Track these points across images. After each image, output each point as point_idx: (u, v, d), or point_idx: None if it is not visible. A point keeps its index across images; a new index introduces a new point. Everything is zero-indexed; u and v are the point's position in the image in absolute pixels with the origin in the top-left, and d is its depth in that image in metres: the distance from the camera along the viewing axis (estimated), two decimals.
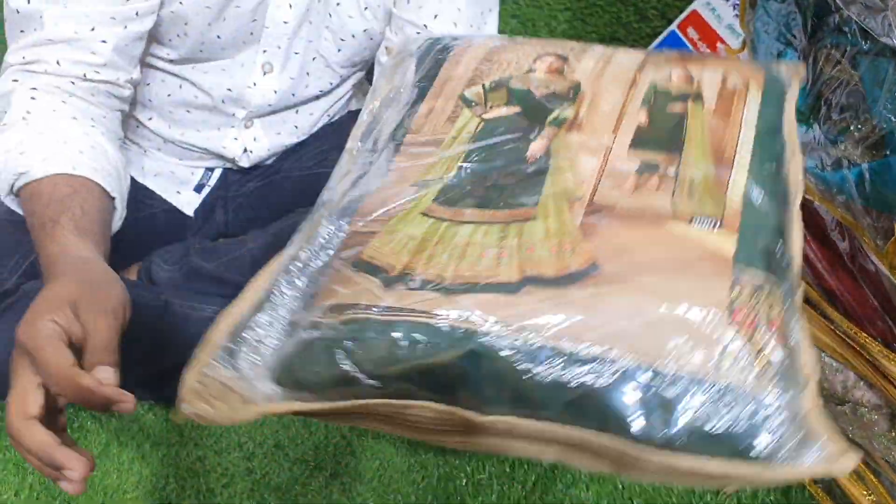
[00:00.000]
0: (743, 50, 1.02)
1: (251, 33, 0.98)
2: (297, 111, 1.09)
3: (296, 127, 1.11)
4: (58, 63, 0.88)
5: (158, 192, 1.12)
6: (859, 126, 0.81)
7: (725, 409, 0.51)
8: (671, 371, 0.52)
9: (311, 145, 1.13)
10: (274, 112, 1.07)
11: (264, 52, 1.00)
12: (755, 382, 0.52)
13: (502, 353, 0.53)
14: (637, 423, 0.51)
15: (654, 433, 0.51)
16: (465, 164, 0.66)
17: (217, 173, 1.14)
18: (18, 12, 0.88)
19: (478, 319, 0.55)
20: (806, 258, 0.93)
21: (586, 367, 0.52)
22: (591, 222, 0.60)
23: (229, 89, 1.03)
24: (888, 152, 0.77)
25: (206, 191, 1.14)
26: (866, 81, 0.80)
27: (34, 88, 0.88)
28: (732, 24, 1.32)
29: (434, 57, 0.78)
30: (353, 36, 1.02)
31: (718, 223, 0.59)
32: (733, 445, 0.51)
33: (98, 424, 1.10)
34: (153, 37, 0.97)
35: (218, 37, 0.97)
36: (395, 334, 0.56)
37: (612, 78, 0.71)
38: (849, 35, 0.82)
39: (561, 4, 1.73)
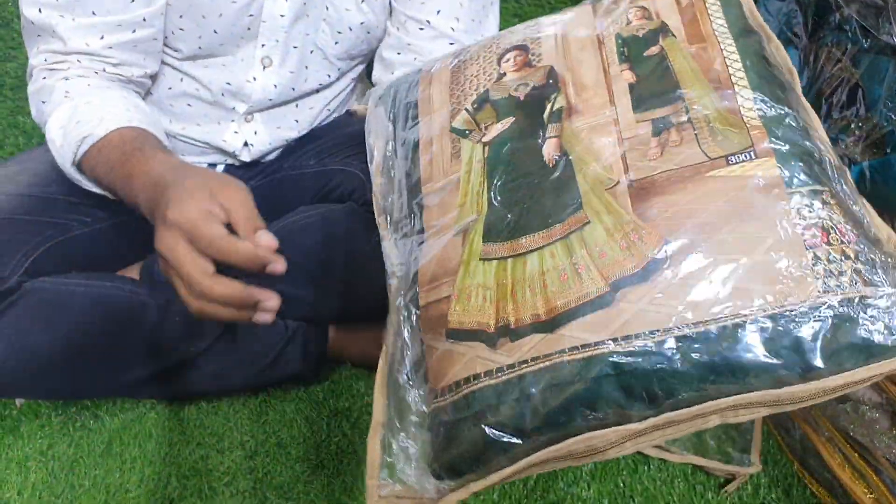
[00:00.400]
0: None
1: (248, 28, 0.99)
2: (297, 105, 1.10)
3: (296, 121, 1.11)
4: (78, 61, 0.95)
5: None
6: (860, 124, 0.81)
7: (847, 322, 0.52)
8: (784, 311, 0.53)
9: (313, 143, 1.13)
10: (274, 106, 1.08)
11: (262, 46, 1.01)
12: (856, 285, 0.53)
13: (630, 366, 0.55)
14: (780, 369, 0.53)
15: (799, 370, 0.53)
16: (492, 195, 0.66)
17: (219, 170, 1.14)
18: (33, 23, 0.94)
19: (593, 344, 0.56)
20: None
21: (709, 343, 0.53)
22: (641, 204, 0.60)
23: (229, 83, 1.03)
24: (888, 150, 0.77)
25: None
26: (867, 80, 0.80)
27: (66, 79, 0.94)
28: None
29: (405, 102, 0.78)
30: (351, 29, 1.02)
31: (752, 153, 0.59)
32: (869, 349, 0.52)
33: (100, 423, 1.11)
34: None
35: (215, 31, 0.98)
36: (525, 391, 0.57)
37: (578, 48, 0.70)
38: (849, 33, 0.82)
39: (563, 3, 1.73)
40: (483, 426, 0.59)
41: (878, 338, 0.52)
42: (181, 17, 0.97)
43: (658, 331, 0.55)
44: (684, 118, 0.62)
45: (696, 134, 0.62)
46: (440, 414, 0.61)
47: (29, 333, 0.95)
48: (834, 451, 0.92)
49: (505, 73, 0.72)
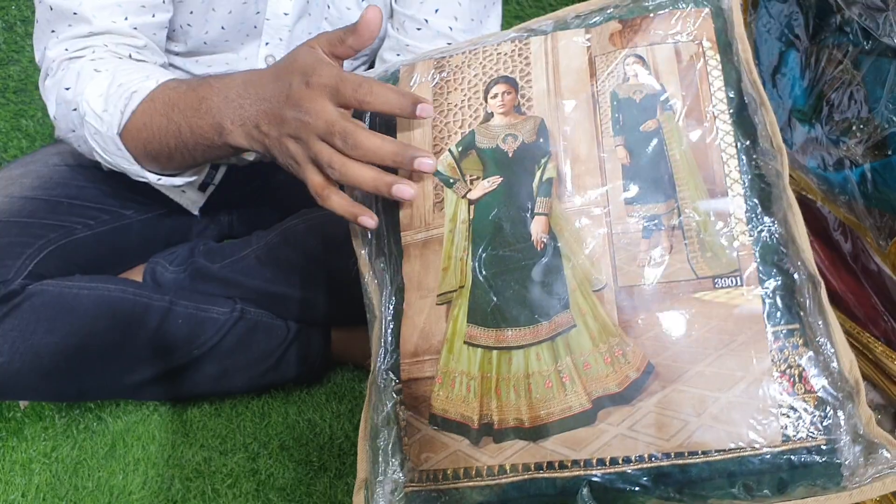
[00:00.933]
0: None
1: (254, 26, 0.99)
2: None
3: None
4: (105, 46, 0.91)
5: (163, 191, 1.12)
6: (861, 126, 0.81)
7: (803, 466, 0.57)
8: (749, 454, 0.57)
9: None
10: None
11: (266, 44, 1.01)
12: (813, 435, 0.57)
13: (606, 487, 0.59)
14: (739, 496, 0.58)
15: (752, 496, 0.58)
16: (477, 265, 0.66)
17: (222, 172, 1.15)
18: (52, 9, 0.91)
19: (572, 463, 0.59)
20: None
21: (682, 474, 0.58)
22: (626, 316, 0.61)
23: None
24: (890, 152, 0.77)
25: (210, 189, 1.15)
26: (868, 81, 0.80)
27: (92, 60, 0.89)
28: None
29: (382, 115, 0.73)
30: None
31: (739, 278, 0.61)
32: (820, 485, 0.57)
33: (104, 425, 1.11)
34: None
35: (222, 28, 0.98)
36: (503, 497, 0.61)
37: (571, 105, 0.67)
38: (850, 35, 0.82)
39: (562, 4, 1.73)
40: None
41: (826, 479, 0.57)
42: (191, 12, 0.97)
43: (634, 458, 0.58)
44: (675, 222, 0.62)
45: (685, 244, 0.62)
46: (418, 497, 0.64)
47: (33, 335, 0.95)
48: None
49: (492, 114, 0.69)
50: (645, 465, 0.58)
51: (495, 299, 0.64)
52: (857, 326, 0.86)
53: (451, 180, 0.69)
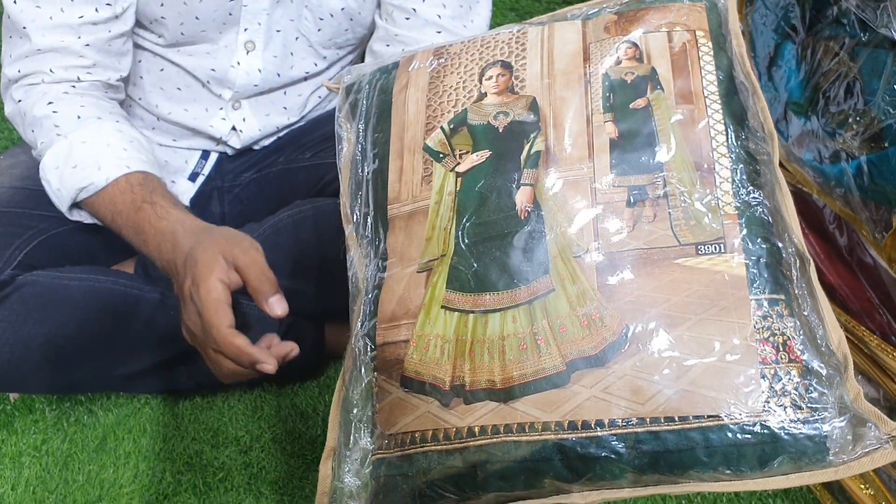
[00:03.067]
0: None
1: (230, 13, 0.99)
2: (284, 93, 1.09)
3: (285, 108, 1.10)
4: (51, 71, 0.94)
5: None
6: (858, 118, 0.80)
7: (784, 439, 0.55)
8: (727, 422, 0.55)
9: (307, 137, 1.12)
10: (261, 93, 1.07)
11: (245, 30, 1.01)
12: (796, 406, 0.55)
13: (576, 452, 0.57)
14: (717, 468, 0.56)
15: (733, 471, 0.56)
16: (460, 234, 0.65)
17: (211, 161, 1.14)
18: (9, 17, 0.93)
19: (542, 426, 0.58)
20: None
21: (655, 441, 0.56)
22: (606, 279, 0.60)
23: (213, 70, 1.03)
24: (887, 144, 0.77)
25: (200, 180, 1.14)
26: (865, 73, 0.80)
27: (50, 103, 0.94)
28: None
29: (379, 97, 0.76)
30: (332, 15, 1.02)
31: (722, 245, 0.60)
32: (805, 461, 0.55)
33: (94, 418, 1.10)
34: (138, 22, 0.98)
35: (197, 18, 0.98)
36: (469, 460, 0.59)
37: (563, 83, 0.68)
38: (847, 27, 0.82)
39: None
40: (423, 484, 0.61)
41: (810, 454, 0.55)
42: (162, 5, 0.96)
43: (608, 422, 0.57)
44: (661, 192, 0.62)
45: (669, 213, 0.61)
46: (383, 463, 0.63)
47: (23, 326, 0.95)
48: None
49: (486, 94, 0.70)
50: (618, 430, 0.56)
51: (476, 265, 0.64)
52: (853, 320, 0.85)
53: (441, 155, 0.69)
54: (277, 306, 0.78)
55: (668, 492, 0.58)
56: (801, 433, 0.55)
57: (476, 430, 0.59)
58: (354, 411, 0.66)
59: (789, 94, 0.91)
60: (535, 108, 0.68)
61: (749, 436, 0.55)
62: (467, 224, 0.65)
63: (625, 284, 0.60)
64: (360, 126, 0.76)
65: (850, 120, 0.81)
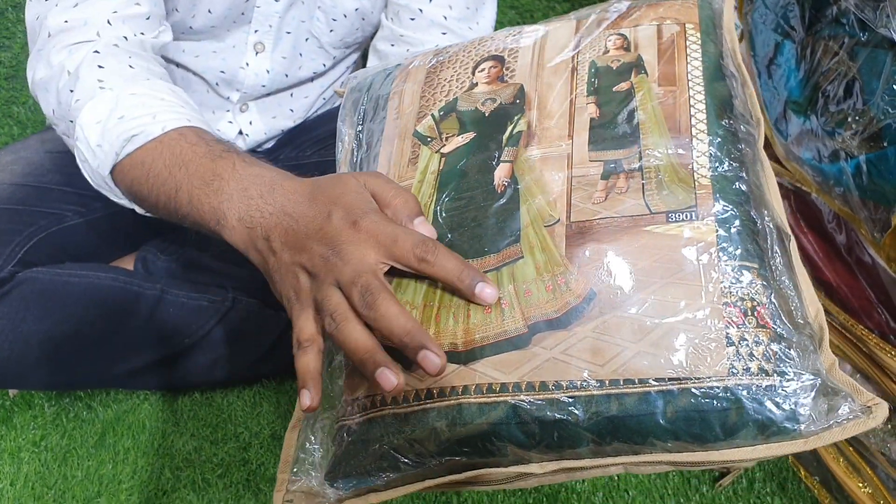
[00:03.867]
0: (740, 41, 1.02)
1: (242, 13, 0.99)
2: (291, 94, 1.09)
3: (291, 110, 1.11)
4: (108, 23, 0.82)
5: None
6: (857, 118, 0.80)
7: (749, 405, 0.53)
8: (690, 385, 0.54)
9: (309, 133, 1.13)
10: (268, 94, 1.07)
11: (255, 31, 1.01)
12: (763, 372, 0.54)
13: (534, 414, 0.56)
14: (681, 436, 0.54)
15: (697, 439, 0.54)
16: (438, 209, 0.66)
17: None
18: None
19: (500, 387, 0.57)
20: (803, 250, 0.93)
21: (615, 404, 0.55)
22: (574, 246, 0.60)
23: (222, 71, 1.03)
24: (886, 144, 0.77)
25: None
26: (864, 73, 0.80)
27: (97, 52, 0.80)
28: None
29: (379, 93, 0.77)
30: (345, 16, 1.02)
31: (694, 213, 0.59)
32: (769, 430, 0.53)
33: (93, 414, 1.10)
34: None
35: (209, 11, 0.97)
36: (428, 424, 0.58)
37: (551, 70, 0.69)
38: (847, 26, 0.82)
39: None
40: (383, 448, 0.60)
41: (779, 422, 0.53)
42: None
43: (566, 384, 0.56)
44: (636, 165, 0.62)
45: (643, 184, 0.61)
46: (344, 430, 0.63)
47: (23, 323, 0.95)
48: (829, 445, 0.92)
49: (477, 84, 0.71)
50: (576, 392, 0.55)
51: (450, 236, 0.64)
52: (851, 319, 0.86)
53: (429, 139, 0.70)
54: (426, 226, 0.62)
55: (629, 462, 0.56)
56: (768, 399, 0.53)
57: (434, 392, 0.58)
58: (326, 390, 0.65)
59: (789, 94, 0.91)
60: (521, 94, 0.69)
61: (713, 400, 0.53)
62: (446, 200, 0.66)
63: (592, 251, 0.59)
64: (358, 119, 0.77)
65: (850, 119, 0.81)
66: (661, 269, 0.57)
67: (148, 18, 0.86)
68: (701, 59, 0.66)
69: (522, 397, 0.56)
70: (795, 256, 0.59)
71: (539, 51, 0.71)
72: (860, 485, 0.89)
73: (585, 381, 0.55)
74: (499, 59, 0.72)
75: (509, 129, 0.67)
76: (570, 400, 0.55)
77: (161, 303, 1.01)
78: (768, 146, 0.92)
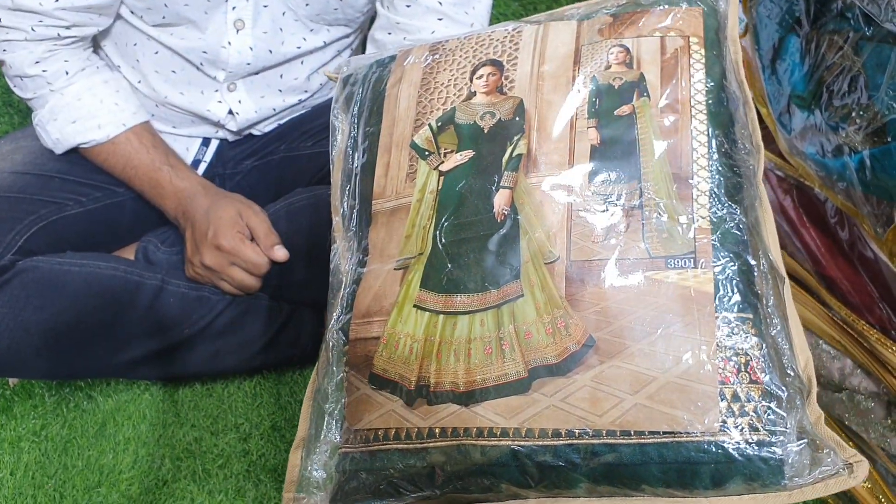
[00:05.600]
0: (745, 36, 1.01)
1: None
2: (280, 75, 1.09)
3: (280, 90, 1.10)
4: (32, 29, 0.97)
5: None
6: (861, 112, 0.80)
7: (739, 460, 0.55)
8: (683, 439, 0.55)
9: (308, 123, 1.12)
10: (256, 73, 1.07)
11: (233, 8, 1.00)
12: (754, 429, 0.55)
13: (533, 459, 0.58)
14: (671, 484, 0.56)
15: (686, 487, 0.56)
16: (438, 234, 0.65)
17: (212, 149, 1.14)
18: None
19: (501, 432, 0.58)
20: (805, 245, 0.92)
21: (611, 454, 0.56)
22: (574, 290, 0.60)
23: (205, 52, 1.02)
24: (890, 139, 0.77)
25: (202, 167, 1.14)
26: (869, 67, 0.80)
27: (37, 62, 1.00)
28: None
29: (373, 90, 0.76)
30: None
31: (692, 260, 0.59)
32: (760, 482, 0.55)
33: (94, 404, 1.10)
34: (123, 1, 0.99)
35: None
36: (430, 461, 0.60)
37: (551, 86, 0.68)
38: (852, 21, 0.81)
39: None
40: (383, 480, 0.62)
41: (766, 476, 0.55)
42: None
43: (565, 432, 0.57)
44: (636, 202, 0.62)
45: (643, 223, 0.61)
46: (347, 457, 0.64)
47: (22, 312, 0.95)
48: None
49: (475, 93, 0.70)
50: (574, 441, 0.56)
51: (450, 266, 0.64)
52: (853, 314, 0.86)
53: (427, 153, 0.69)
54: (280, 252, 1.00)
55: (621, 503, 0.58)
56: (756, 455, 0.55)
57: (437, 431, 0.60)
58: (327, 404, 0.67)
59: (793, 88, 0.90)
60: (521, 110, 0.68)
61: (704, 454, 0.55)
62: (445, 224, 0.66)
63: (592, 294, 0.60)
64: (353, 118, 0.76)
65: (854, 114, 0.81)
66: (658, 318, 0.58)
67: (72, 25, 0.99)
68: (704, 80, 0.65)
69: (522, 443, 0.57)
70: (789, 301, 0.60)
71: (539, 58, 0.70)
72: None
73: (584, 430, 0.56)
74: (497, 66, 0.71)
75: (509, 150, 0.66)
76: (569, 448, 0.57)
77: (162, 293, 1.01)
78: (772, 141, 0.92)
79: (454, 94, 0.71)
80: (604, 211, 0.62)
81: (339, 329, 0.69)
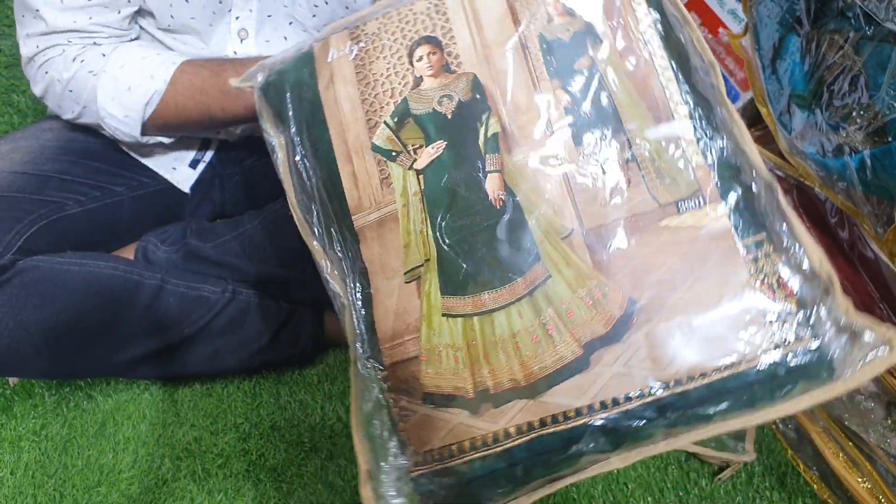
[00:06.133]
0: (745, 35, 1.01)
1: (220, 2, 0.98)
2: None
3: None
4: (69, 42, 0.97)
5: (154, 167, 1.12)
6: (862, 112, 0.80)
7: (793, 366, 0.57)
8: (742, 369, 0.57)
9: None
10: None
11: (237, 18, 1.00)
12: (800, 337, 0.58)
13: (611, 426, 0.58)
14: (739, 409, 0.58)
15: (751, 406, 0.58)
16: (438, 236, 0.64)
17: (212, 148, 1.14)
18: (22, 1, 0.95)
19: (575, 413, 0.59)
20: None
21: (682, 402, 0.58)
22: (599, 257, 0.61)
23: None
24: (890, 139, 0.76)
25: (201, 167, 1.14)
26: (869, 67, 0.79)
27: (75, 59, 0.97)
28: (735, 10, 1.31)
29: (303, 97, 0.70)
30: (327, 2, 1.01)
31: (701, 198, 0.61)
32: (817, 382, 0.58)
33: (94, 404, 1.10)
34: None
35: (186, 1, 0.97)
36: (513, 459, 0.60)
37: (500, 54, 0.66)
38: (852, 20, 0.81)
39: None
40: (469, 487, 0.61)
41: (820, 375, 0.58)
42: None
43: (635, 395, 0.58)
44: (628, 154, 0.62)
45: (643, 175, 0.62)
46: (424, 478, 0.63)
47: (22, 311, 0.95)
48: (828, 440, 0.92)
49: (421, 78, 0.67)
50: (646, 400, 0.58)
51: (465, 266, 0.63)
52: None
53: (394, 153, 0.67)
54: None
55: (697, 436, 0.60)
56: (807, 361, 0.57)
57: (512, 430, 0.60)
58: (376, 430, 0.65)
59: (793, 88, 0.90)
60: (478, 86, 0.66)
61: (765, 374, 0.57)
62: (443, 224, 0.64)
63: (618, 257, 0.60)
64: (292, 132, 0.71)
65: (854, 114, 0.81)
66: (688, 264, 0.59)
67: (108, 37, 0.98)
68: (648, 12, 0.65)
69: (598, 417, 0.58)
70: (783, 202, 0.61)
71: (475, 26, 0.67)
72: (859, 480, 0.89)
73: (651, 387, 0.58)
74: (435, 43, 0.68)
75: (482, 132, 0.65)
76: (642, 407, 0.58)
77: (161, 292, 1.01)
78: (772, 141, 0.91)
79: (399, 84, 0.68)
80: (601, 173, 0.62)
81: (367, 357, 0.66)
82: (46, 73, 0.98)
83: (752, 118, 1.25)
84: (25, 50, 0.99)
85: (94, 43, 0.97)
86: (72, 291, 0.97)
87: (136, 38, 1.02)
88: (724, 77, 1.12)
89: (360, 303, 0.67)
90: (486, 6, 0.68)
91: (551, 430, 0.59)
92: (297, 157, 0.71)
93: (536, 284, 0.61)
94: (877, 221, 0.80)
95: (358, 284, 0.68)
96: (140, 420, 1.08)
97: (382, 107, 0.68)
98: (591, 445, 0.59)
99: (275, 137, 0.72)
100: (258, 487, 1.00)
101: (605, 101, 0.63)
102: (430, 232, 0.65)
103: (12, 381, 1.12)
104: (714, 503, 0.96)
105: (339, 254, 0.69)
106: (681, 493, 0.97)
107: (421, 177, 0.66)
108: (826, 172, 0.85)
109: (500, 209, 0.63)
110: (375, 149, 0.67)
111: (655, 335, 0.58)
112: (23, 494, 1.00)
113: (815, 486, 0.96)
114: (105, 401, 1.10)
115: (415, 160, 0.66)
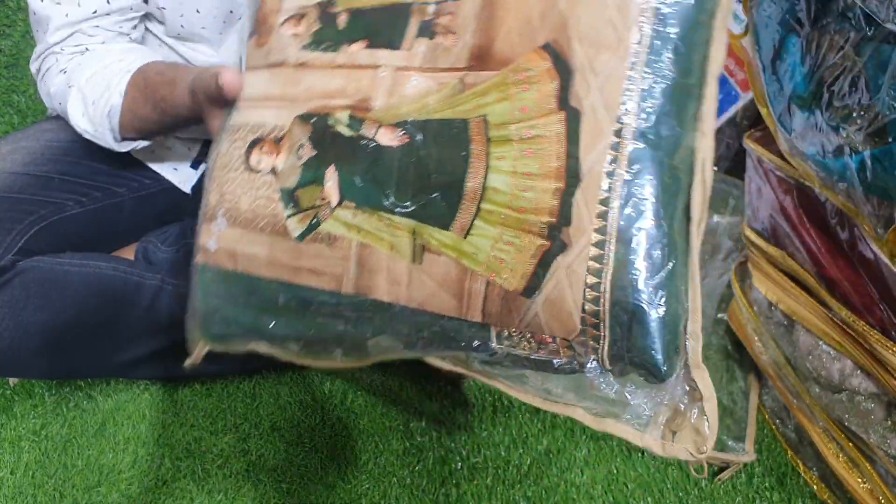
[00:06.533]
0: (745, 35, 1.01)
1: (231, 11, 0.98)
2: None
3: None
4: (62, 50, 0.97)
5: (155, 168, 1.12)
6: (862, 113, 0.80)
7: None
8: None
9: None
10: None
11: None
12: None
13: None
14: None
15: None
16: (399, 210, 0.61)
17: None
18: (35, 13, 0.97)
19: None
20: (805, 246, 0.92)
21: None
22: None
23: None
24: (891, 139, 0.76)
25: (202, 167, 1.14)
26: (870, 68, 0.79)
27: (62, 70, 0.97)
28: (735, 10, 1.31)
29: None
30: None
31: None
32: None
33: (94, 404, 1.10)
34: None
35: (197, 10, 0.97)
36: None
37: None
38: (853, 21, 0.81)
39: None
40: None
41: None
42: None
43: None
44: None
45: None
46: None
47: (23, 312, 0.95)
48: (828, 441, 0.92)
49: (273, 167, 0.67)
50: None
51: (438, 199, 0.61)
52: (853, 315, 0.85)
53: (314, 221, 0.65)
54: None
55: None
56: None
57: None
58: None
59: (793, 88, 0.90)
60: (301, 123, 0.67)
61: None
62: (391, 200, 0.62)
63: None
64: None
65: (855, 114, 0.81)
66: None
67: (103, 42, 0.98)
68: None
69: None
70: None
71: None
72: (859, 480, 0.89)
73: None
74: (259, 141, 0.68)
75: (342, 129, 0.64)
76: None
77: (161, 293, 1.01)
78: (772, 141, 0.91)
79: (266, 192, 0.68)
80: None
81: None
82: (44, 83, 0.99)
83: (753, 119, 1.26)
84: (32, 66, 1.00)
85: (85, 50, 0.98)
86: (72, 292, 0.97)
87: (135, 39, 1.02)
88: (724, 77, 1.13)
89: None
90: None
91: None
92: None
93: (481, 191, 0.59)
94: (877, 222, 0.80)
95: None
96: (140, 420, 1.08)
97: (276, 214, 0.67)
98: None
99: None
100: (258, 487, 1.00)
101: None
102: (392, 218, 0.62)
103: (12, 381, 1.12)
104: (714, 503, 0.96)
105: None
106: (681, 494, 0.97)
107: (345, 202, 0.64)
108: (826, 173, 0.85)
109: (411, 144, 0.61)
110: (301, 237, 0.65)
111: None
112: (23, 494, 1.01)
113: (815, 486, 0.96)
114: (105, 401, 1.11)
115: (328, 203, 0.64)
